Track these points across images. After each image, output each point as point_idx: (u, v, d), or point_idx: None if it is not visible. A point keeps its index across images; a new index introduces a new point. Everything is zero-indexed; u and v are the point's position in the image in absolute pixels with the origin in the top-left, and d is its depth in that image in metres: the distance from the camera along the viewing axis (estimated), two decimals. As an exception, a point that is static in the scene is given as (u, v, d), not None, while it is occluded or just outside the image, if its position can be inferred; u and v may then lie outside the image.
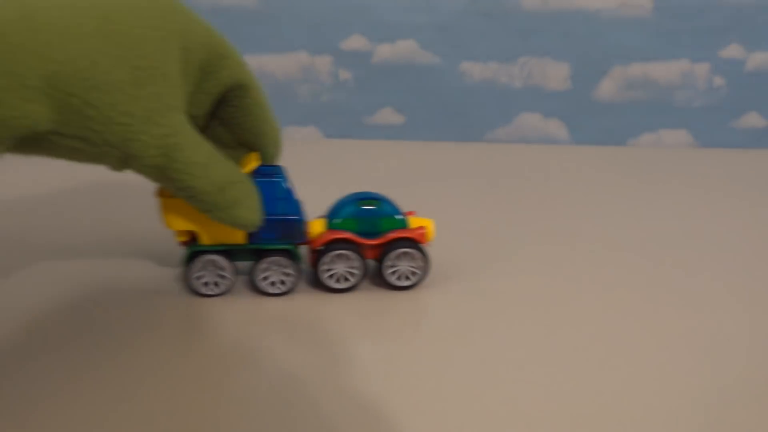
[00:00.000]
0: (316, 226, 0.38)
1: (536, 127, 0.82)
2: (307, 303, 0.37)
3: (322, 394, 0.29)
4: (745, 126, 0.83)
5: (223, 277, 0.37)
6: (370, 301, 0.38)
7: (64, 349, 0.31)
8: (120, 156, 0.28)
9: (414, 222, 0.39)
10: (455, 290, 0.39)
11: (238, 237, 0.36)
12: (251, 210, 0.34)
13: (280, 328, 0.35)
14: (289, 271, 0.37)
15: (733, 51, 0.80)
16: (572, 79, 0.81)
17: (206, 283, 0.37)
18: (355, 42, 0.78)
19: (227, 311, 0.36)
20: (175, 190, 0.31)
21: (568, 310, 0.37)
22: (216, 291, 0.37)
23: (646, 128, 0.83)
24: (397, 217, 0.39)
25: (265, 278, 0.37)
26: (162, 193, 0.35)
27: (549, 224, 0.51)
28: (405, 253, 0.38)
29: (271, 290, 0.37)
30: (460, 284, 0.40)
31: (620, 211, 0.56)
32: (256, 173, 0.36)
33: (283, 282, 0.37)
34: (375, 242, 0.38)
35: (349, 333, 0.34)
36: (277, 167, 0.37)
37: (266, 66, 0.78)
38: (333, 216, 0.38)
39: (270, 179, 0.36)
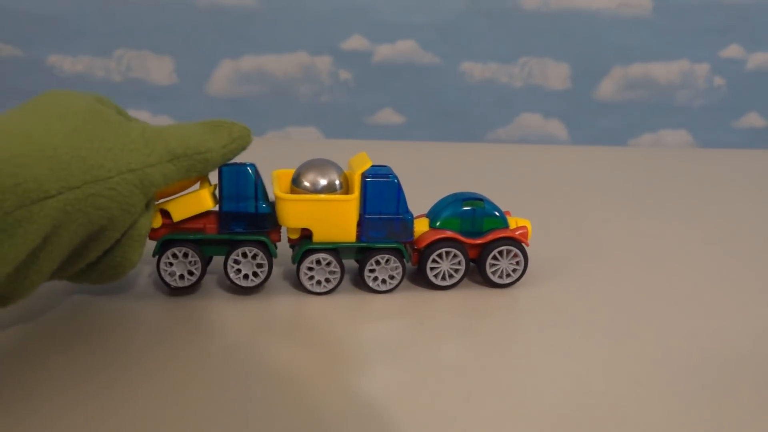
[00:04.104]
0: (419, 226, 0.39)
1: (536, 127, 0.82)
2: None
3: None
4: (745, 126, 0.83)
5: (332, 274, 0.37)
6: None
7: (68, 349, 0.31)
8: None
9: (512, 222, 0.40)
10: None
11: (350, 235, 0.37)
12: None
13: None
14: (397, 268, 0.38)
15: (733, 51, 0.80)
16: (572, 79, 0.81)
17: (315, 281, 0.37)
18: (355, 42, 0.78)
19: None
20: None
21: (569, 312, 0.37)
22: (324, 289, 0.37)
23: (646, 128, 0.83)
24: (499, 216, 0.39)
25: (375, 277, 0.38)
26: (280, 191, 0.36)
27: (549, 225, 0.51)
28: (507, 251, 0.39)
29: (379, 287, 0.38)
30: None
31: (620, 211, 0.56)
32: (368, 174, 0.36)
33: (392, 277, 0.38)
34: (478, 241, 0.39)
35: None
36: (387, 167, 0.37)
37: (266, 66, 0.78)
38: (436, 215, 0.39)
39: (383, 179, 0.36)
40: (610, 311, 0.38)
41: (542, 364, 0.32)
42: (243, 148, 0.36)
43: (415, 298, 0.38)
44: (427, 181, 0.61)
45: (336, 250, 0.37)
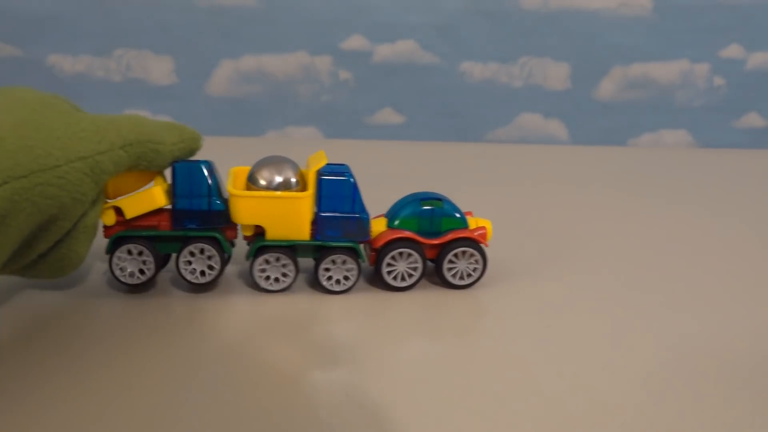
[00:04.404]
0: (377, 225, 0.39)
1: (536, 127, 0.82)
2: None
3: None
4: (745, 126, 0.83)
5: (286, 273, 0.37)
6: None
7: (64, 349, 0.31)
8: None
9: (472, 222, 0.40)
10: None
11: (304, 233, 0.37)
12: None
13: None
14: (352, 269, 0.37)
15: (733, 51, 0.80)
16: (572, 79, 0.81)
17: (269, 279, 0.37)
18: (355, 42, 0.78)
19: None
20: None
21: (562, 312, 0.37)
22: (278, 287, 0.37)
23: (646, 128, 0.83)
24: (458, 216, 0.39)
25: (329, 277, 0.37)
26: (234, 187, 0.36)
27: (549, 224, 0.51)
28: (464, 252, 0.38)
29: (333, 288, 0.38)
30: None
31: (620, 211, 0.56)
32: (323, 171, 0.36)
33: (346, 278, 0.38)
34: (436, 242, 0.38)
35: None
36: (344, 166, 0.37)
37: (266, 66, 0.78)
38: (394, 215, 0.39)
39: (338, 177, 0.36)
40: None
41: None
42: (192, 151, 0.37)
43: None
44: (426, 181, 0.61)
45: (291, 247, 0.37)
